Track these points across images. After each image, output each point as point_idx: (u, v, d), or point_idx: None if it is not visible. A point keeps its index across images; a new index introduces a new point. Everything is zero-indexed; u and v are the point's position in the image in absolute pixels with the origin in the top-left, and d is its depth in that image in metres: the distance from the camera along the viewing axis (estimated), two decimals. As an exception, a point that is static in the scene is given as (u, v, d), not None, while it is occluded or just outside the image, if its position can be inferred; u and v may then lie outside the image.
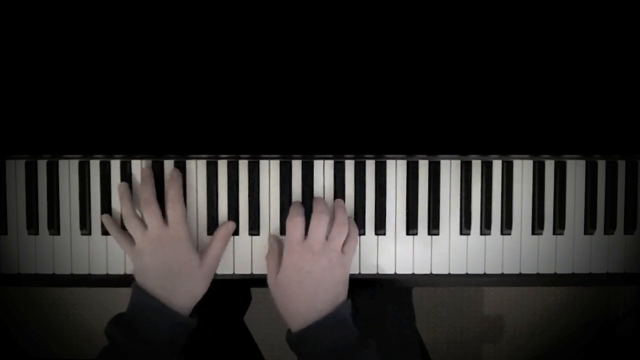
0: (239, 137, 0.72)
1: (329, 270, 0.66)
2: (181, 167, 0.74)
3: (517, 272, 0.75)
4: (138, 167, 0.74)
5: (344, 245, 0.69)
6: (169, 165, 0.74)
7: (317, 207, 0.69)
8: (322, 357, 0.64)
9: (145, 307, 0.66)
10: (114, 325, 0.66)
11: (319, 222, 0.67)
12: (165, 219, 0.69)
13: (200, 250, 0.71)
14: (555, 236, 0.75)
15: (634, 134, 0.73)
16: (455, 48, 0.71)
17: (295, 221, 0.68)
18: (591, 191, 0.74)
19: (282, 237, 0.73)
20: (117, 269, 0.74)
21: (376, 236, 0.74)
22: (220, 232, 0.72)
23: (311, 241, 0.67)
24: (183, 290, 0.68)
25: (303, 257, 0.66)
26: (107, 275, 0.74)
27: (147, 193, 0.70)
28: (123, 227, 0.72)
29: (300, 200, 0.73)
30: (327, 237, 0.68)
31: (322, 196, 0.74)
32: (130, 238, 0.70)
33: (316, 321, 0.65)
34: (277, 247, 0.71)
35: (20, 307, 1.46)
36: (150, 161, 0.73)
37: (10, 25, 0.71)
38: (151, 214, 0.68)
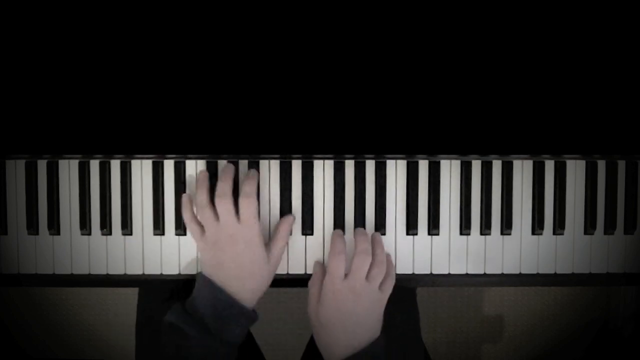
0: (239, 137, 0.72)
1: (369, 309, 0.67)
2: (181, 167, 0.74)
3: (517, 272, 0.75)
4: (138, 167, 0.74)
5: (381, 283, 0.69)
6: (169, 164, 0.74)
7: (360, 246, 0.69)
8: None
9: (214, 301, 0.67)
10: (180, 316, 0.66)
11: (362, 263, 0.67)
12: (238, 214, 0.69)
13: (266, 246, 0.71)
14: (555, 236, 0.75)
15: (634, 134, 0.73)
16: (455, 48, 0.71)
17: (339, 259, 0.68)
18: (591, 191, 0.74)
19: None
20: (117, 269, 0.74)
21: (376, 236, 0.74)
22: (283, 228, 0.72)
23: (353, 281, 0.67)
24: (251, 286, 0.68)
25: (345, 295, 0.66)
26: (107, 275, 0.74)
27: (225, 187, 0.69)
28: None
29: (301, 199, 0.74)
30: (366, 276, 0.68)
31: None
32: (200, 226, 0.70)
33: (351, 355, 0.65)
34: (321, 276, 0.70)
35: (20, 307, 1.46)
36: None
37: (10, 25, 0.71)
38: (226, 209, 0.68)
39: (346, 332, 0.66)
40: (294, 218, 0.73)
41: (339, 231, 0.72)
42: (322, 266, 0.73)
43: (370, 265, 0.68)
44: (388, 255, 0.72)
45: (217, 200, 0.69)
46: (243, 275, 0.68)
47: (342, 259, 0.68)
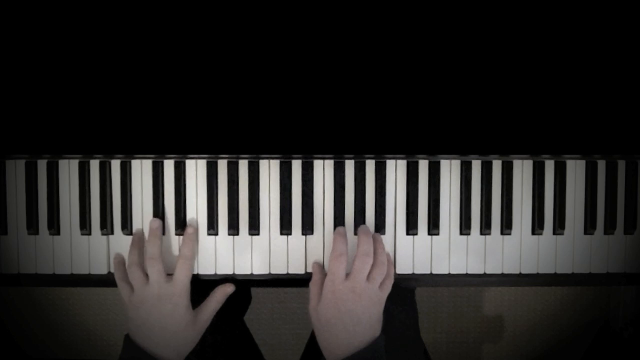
0: (239, 137, 0.72)
1: (368, 309, 0.67)
2: (181, 167, 0.74)
3: (517, 272, 0.75)
4: (138, 167, 0.74)
5: (381, 283, 0.69)
6: (169, 164, 0.74)
7: (362, 247, 0.69)
8: None
9: None
10: None
11: (363, 265, 0.67)
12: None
13: (196, 309, 0.72)
14: (555, 236, 0.75)
15: (634, 134, 0.73)
16: (455, 48, 0.71)
17: (340, 260, 0.68)
18: (591, 191, 0.74)
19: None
20: (117, 269, 0.74)
21: (376, 236, 0.74)
22: (217, 296, 0.73)
23: (354, 282, 0.67)
24: (175, 346, 0.69)
25: (345, 295, 0.66)
26: (107, 275, 0.74)
27: (153, 248, 0.71)
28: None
29: (301, 199, 0.74)
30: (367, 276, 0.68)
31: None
32: (130, 286, 0.71)
33: (352, 355, 0.65)
34: (321, 277, 0.71)
35: (20, 307, 1.46)
36: (157, 220, 0.73)
37: (10, 25, 0.71)
38: (155, 270, 0.69)
39: (347, 331, 0.66)
40: (233, 288, 0.74)
41: (341, 229, 0.72)
42: (321, 267, 0.73)
43: (371, 266, 0.68)
44: (387, 255, 0.72)
45: (146, 262, 0.70)
46: (166, 336, 0.68)
47: (343, 260, 0.68)
